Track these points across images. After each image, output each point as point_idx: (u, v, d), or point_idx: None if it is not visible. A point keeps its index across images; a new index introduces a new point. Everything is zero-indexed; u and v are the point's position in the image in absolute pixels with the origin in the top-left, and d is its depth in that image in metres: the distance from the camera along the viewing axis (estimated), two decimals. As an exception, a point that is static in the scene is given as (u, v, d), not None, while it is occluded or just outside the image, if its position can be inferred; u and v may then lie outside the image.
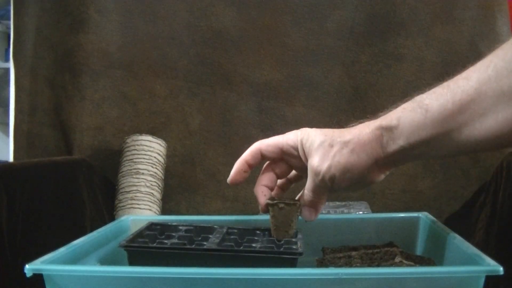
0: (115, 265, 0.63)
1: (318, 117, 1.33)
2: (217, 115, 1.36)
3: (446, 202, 1.30)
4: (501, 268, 0.47)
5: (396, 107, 0.55)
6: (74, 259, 0.59)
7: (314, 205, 0.61)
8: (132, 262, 0.60)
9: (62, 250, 0.58)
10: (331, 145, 0.55)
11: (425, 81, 1.31)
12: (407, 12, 1.33)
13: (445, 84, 0.52)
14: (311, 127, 0.59)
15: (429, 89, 0.53)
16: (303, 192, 0.62)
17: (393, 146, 0.54)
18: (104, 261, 0.65)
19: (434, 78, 1.33)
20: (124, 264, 0.61)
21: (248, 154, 0.62)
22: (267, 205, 0.62)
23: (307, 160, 0.58)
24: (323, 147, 0.56)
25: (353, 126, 0.57)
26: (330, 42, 1.35)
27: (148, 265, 0.56)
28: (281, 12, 1.36)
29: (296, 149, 0.60)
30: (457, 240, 0.58)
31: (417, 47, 1.33)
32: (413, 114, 0.52)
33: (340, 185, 0.56)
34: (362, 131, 0.55)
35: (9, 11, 1.38)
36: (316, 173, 0.56)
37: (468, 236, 1.02)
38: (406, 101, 0.54)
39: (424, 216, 0.72)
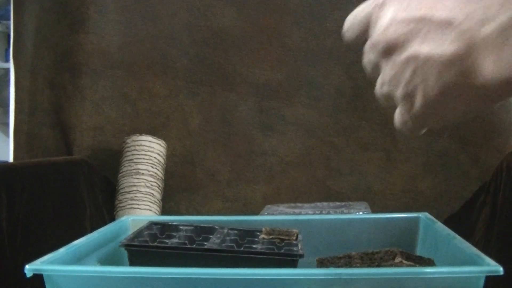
0: (115, 265, 0.63)
1: (318, 117, 1.33)
2: (217, 115, 1.36)
3: (446, 202, 1.30)
4: (501, 268, 0.47)
5: None
6: (74, 259, 0.59)
7: None
8: (132, 262, 0.60)
9: (62, 250, 0.58)
10: None
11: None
12: (407, 12, 1.33)
13: None
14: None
15: None
16: None
17: None
18: (104, 261, 0.65)
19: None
20: (124, 264, 0.61)
21: None
22: None
23: None
24: None
25: None
26: (330, 42, 1.35)
27: (148, 265, 0.56)
28: (281, 12, 1.35)
29: None
30: (457, 240, 0.58)
31: (417, 47, 1.33)
32: None
33: None
34: None
35: (9, 11, 1.38)
36: None
37: (468, 236, 1.02)
38: None
39: (424, 216, 0.72)
